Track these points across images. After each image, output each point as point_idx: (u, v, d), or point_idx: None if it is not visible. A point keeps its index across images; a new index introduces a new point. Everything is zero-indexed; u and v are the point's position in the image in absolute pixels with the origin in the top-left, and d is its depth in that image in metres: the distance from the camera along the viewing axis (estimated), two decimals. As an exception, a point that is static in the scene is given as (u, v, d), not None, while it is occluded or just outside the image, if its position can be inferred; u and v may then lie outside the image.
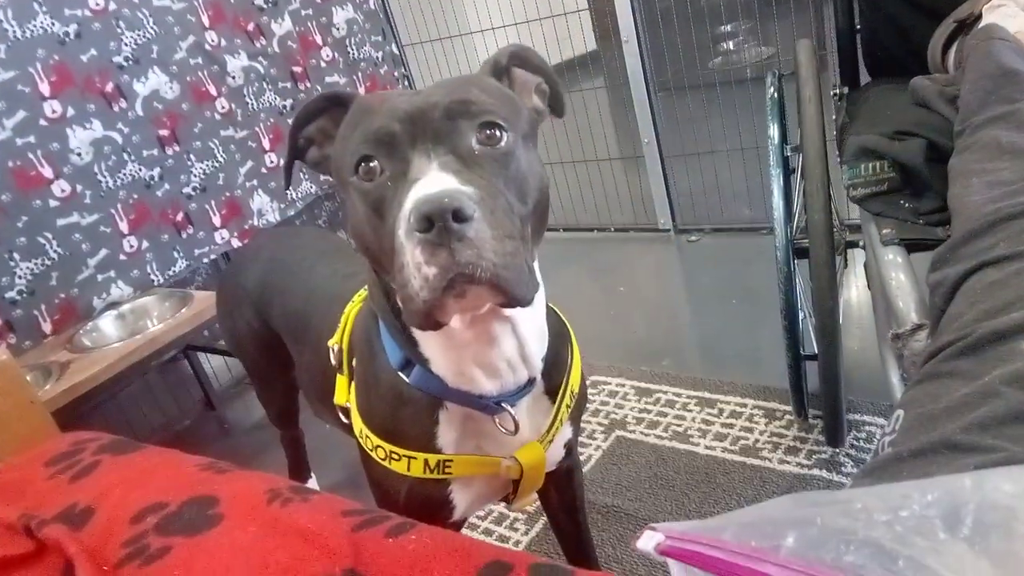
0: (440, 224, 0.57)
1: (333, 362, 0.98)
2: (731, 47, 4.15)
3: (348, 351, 0.97)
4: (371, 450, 0.89)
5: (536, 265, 0.73)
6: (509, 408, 0.84)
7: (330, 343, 0.99)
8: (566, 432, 0.97)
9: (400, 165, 0.65)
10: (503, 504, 1.00)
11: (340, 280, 1.14)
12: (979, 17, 1.24)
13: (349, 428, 0.97)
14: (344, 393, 0.97)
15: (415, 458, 0.85)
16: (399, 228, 0.61)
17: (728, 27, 4.07)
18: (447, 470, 0.85)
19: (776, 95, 1.55)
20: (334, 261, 1.25)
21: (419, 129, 0.65)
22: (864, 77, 1.62)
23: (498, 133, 0.67)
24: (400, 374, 0.84)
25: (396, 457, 0.86)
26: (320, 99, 0.81)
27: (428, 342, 0.80)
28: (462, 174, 0.62)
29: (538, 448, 0.90)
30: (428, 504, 0.89)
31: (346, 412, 0.96)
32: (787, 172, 1.52)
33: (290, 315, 1.24)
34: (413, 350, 0.82)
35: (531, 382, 0.86)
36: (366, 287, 1.03)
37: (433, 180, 0.61)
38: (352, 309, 0.99)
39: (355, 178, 0.68)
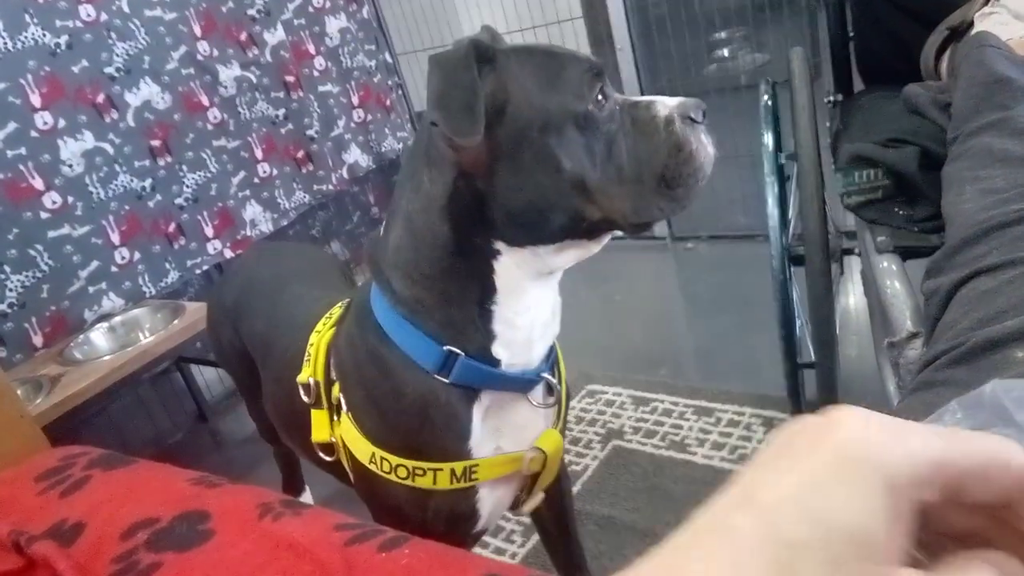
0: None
1: (306, 399, 0.94)
2: (726, 54, 4.15)
3: (326, 383, 0.92)
4: (388, 472, 0.84)
5: None
6: (549, 376, 0.87)
7: (299, 379, 0.94)
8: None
9: (611, 97, 0.76)
10: (511, 509, 0.99)
11: (307, 304, 1.09)
12: (971, 24, 1.24)
13: (328, 464, 0.94)
14: (325, 428, 0.92)
15: (441, 470, 0.83)
16: (674, 124, 0.74)
17: (722, 34, 4.07)
18: (473, 475, 0.84)
19: (770, 103, 1.55)
20: (304, 283, 1.21)
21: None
22: (858, 84, 1.63)
23: None
24: (437, 376, 0.81)
25: (420, 472, 0.83)
26: (468, 53, 0.71)
27: (510, 305, 0.80)
28: None
29: (555, 434, 0.91)
30: (454, 518, 0.88)
31: (327, 448, 0.93)
32: (782, 180, 1.51)
33: (256, 336, 1.21)
34: (483, 329, 0.80)
35: (551, 351, 0.89)
36: (329, 314, 0.97)
37: (660, 98, 0.77)
38: (320, 340, 0.94)
39: (591, 107, 0.74)
